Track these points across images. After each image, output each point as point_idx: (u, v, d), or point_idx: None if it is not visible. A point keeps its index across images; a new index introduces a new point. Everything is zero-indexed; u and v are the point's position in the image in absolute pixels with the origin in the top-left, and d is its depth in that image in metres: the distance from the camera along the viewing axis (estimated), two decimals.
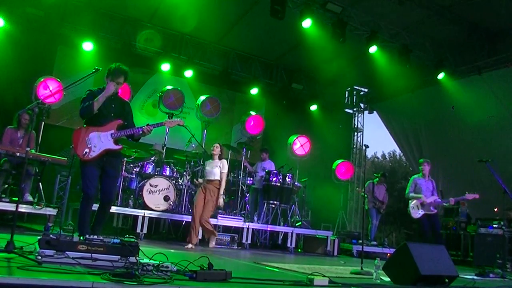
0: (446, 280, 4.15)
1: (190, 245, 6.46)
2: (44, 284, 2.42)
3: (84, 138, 4.11)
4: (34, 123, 5.41)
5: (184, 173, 8.13)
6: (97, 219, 4.26)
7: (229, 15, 9.68)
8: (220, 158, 6.85)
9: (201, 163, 8.61)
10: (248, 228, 7.87)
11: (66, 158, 6.84)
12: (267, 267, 4.83)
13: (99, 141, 4.13)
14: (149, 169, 7.84)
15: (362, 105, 13.72)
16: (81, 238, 3.26)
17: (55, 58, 9.71)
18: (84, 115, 4.17)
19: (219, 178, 6.68)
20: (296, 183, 9.27)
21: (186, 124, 8.65)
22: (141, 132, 4.26)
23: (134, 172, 7.90)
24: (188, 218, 7.68)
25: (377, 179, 9.70)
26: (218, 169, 6.69)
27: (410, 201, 7.14)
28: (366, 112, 13.71)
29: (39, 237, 3.19)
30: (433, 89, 10.70)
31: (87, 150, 4.08)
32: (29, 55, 8.85)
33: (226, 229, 8.00)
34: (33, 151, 6.59)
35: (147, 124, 4.30)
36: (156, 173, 7.73)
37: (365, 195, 7.58)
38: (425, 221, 7.03)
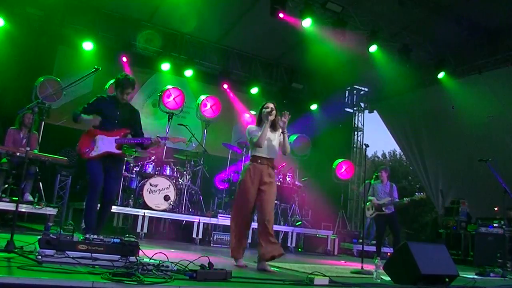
0: (447, 280, 4.16)
1: (243, 262, 4.46)
2: (44, 284, 2.42)
3: (90, 139, 4.34)
4: (37, 122, 5.38)
5: (185, 172, 8.13)
6: (99, 218, 4.38)
7: (229, 15, 9.66)
8: None
9: (201, 162, 8.62)
10: None
11: (66, 158, 6.85)
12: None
13: (103, 143, 4.34)
14: (149, 168, 7.84)
15: (362, 104, 13.70)
16: (87, 231, 3.25)
17: (55, 58, 9.70)
18: (72, 118, 4.44)
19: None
20: (296, 183, 9.28)
21: (186, 124, 8.76)
22: (150, 142, 4.49)
23: (134, 171, 7.90)
24: (188, 217, 7.69)
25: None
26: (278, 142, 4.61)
27: (367, 203, 7.82)
28: (366, 111, 13.69)
29: (39, 237, 3.19)
30: (433, 89, 10.69)
31: (89, 149, 4.30)
32: (29, 55, 8.85)
33: (226, 229, 7.99)
34: (36, 151, 6.61)
35: (157, 136, 4.53)
36: (156, 173, 7.73)
37: (367, 196, 7.77)
38: (377, 220, 7.72)
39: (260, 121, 4.57)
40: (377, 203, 7.53)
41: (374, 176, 9.86)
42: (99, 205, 4.45)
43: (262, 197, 4.38)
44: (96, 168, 4.30)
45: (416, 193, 7.41)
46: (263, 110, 4.54)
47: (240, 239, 4.48)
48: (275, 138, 4.56)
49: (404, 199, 7.38)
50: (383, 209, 7.45)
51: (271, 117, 4.47)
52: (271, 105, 4.56)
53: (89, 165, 4.33)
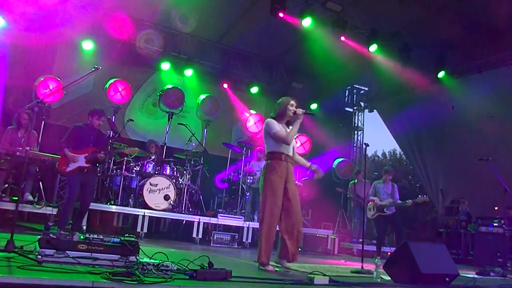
0: (447, 279, 4.16)
1: (271, 267, 4.26)
2: (44, 284, 2.42)
3: (66, 158, 5.44)
4: (34, 122, 5.48)
5: (185, 172, 8.13)
6: (78, 216, 5.64)
7: (229, 15, 9.66)
8: None
9: (201, 161, 8.63)
10: (248, 227, 7.87)
11: None
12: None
13: (75, 160, 5.44)
14: (149, 168, 7.84)
15: (362, 104, 13.70)
16: (63, 232, 3.36)
17: (55, 57, 9.69)
18: (58, 149, 5.60)
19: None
20: (296, 182, 9.27)
21: (186, 123, 8.76)
22: (97, 157, 5.54)
23: (134, 171, 7.89)
24: (188, 217, 7.69)
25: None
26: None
27: (369, 203, 7.74)
28: (366, 111, 13.68)
29: (39, 237, 3.19)
30: (433, 89, 10.68)
31: (64, 166, 5.45)
32: (29, 55, 8.83)
33: (227, 228, 8.00)
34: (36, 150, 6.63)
35: (102, 152, 5.65)
36: (157, 172, 7.73)
37: (368, 196, 7.71)
38: (378, 221, 7.68)
39: (281, 117, 4.46)
40: (379, 203, 7.50)
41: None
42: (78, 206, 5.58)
43: (290, 197, 4.31)
44: (73, 181, 5.46)
45: (419, 196, 7.33)
46: (289, 107, 4.42)
47: (271, 242, 4.32)
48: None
49: (407, 201, 7.32)
50: (385, 210, 7.42)
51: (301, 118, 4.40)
52: (295, 103, 4.47)
53: (68, 179, 5.64)
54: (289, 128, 4.48)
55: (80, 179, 5.47)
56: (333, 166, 11.17)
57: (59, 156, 6.69)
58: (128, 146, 7.78)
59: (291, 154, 4.44)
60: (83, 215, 5.87)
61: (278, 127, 4.37)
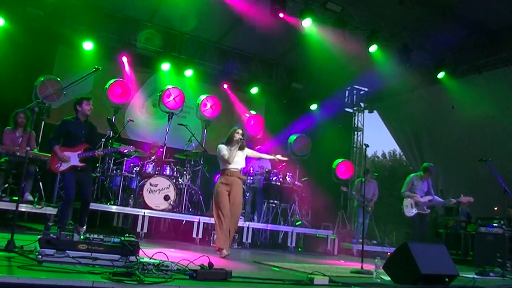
0: (446, 279, 4.16)
1: (225, 252, 5.46)
2: (45, 284, 2.42)
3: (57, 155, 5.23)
4: (33, 122, 5.43)
5: (185, 172, 8.13)
6: (81, 214, 5.46)
7: (229, 15, 9.66)
8: None
9: (201, 162, 8.63)
10: (248, 228, 7.87)
11: None
12: (267, 267, 4.83)
13: (67, 160, 5.22)
14: (149, 168, 7.84)
15: (362, 104, 13.70)
16: (63, 232, 3.35)
17: (55, 57, 9.69)
18: (48, 146, 5.39)
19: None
20: (296, 183, 9.28)
21: (186, 124, 8.76)
22: (93, 155, 5.39)
23: (134, 171, 7.90)
24: (188, 217, 7.70)
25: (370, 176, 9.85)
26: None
27: (404, 199, 7.18)
28: (366, 111, 13.69)
29: (39, 236, 3.19)
30: (433, 89, 10.68)
31: (58, 164, 5.23)
32: (29, 55, 8.84)
33: None
34: (35, 151, 6.61)
35: (99, 150, 5.68)
36: (156, 173, 7.73)
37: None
38: (417, 220, 7.09)
39: (230, 142, 5.72)
40: (421, 201, 6.92)
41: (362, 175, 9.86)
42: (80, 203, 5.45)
43: (231, 202, 5.58)
44: (69, 181, 5.23)
45: (462, 195, 6.89)
46: (235, 134, 5.69)
47: (226, 232, 5.48)
48: (239, 154, 5.72)
49: (451, 200, 6.98)
50: (425, 208, 6.97)
51: (243, 143, 5.72)
52: (241, 131, 5.80)
53: (63, 178, 5.40)
54: (241, 150, 5.73)
55: (76, 177, 5.25)
56: (333, 166, 11.18)
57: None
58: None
59: (237, 168, 5.69)
60: (86, 210, 5.60)
61: (225, 151, 5.65)
